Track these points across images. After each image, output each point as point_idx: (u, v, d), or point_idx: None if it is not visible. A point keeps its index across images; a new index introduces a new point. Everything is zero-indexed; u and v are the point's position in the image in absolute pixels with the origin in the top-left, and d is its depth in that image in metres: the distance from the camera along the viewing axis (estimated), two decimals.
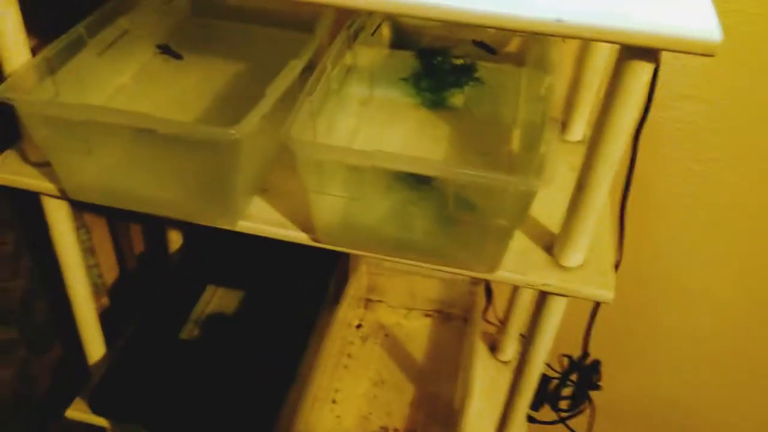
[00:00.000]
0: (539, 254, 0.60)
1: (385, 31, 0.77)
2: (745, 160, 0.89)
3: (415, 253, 0.60)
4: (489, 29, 0.62)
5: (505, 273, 0.58)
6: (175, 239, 1.06)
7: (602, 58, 0.70)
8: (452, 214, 0.56)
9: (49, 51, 0.61)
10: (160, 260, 1.10)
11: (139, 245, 1.10)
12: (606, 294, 0.57)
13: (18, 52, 0.60)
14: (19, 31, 0.59)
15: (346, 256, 1.01)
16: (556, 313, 0.61)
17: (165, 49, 0.74)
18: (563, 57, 0.69)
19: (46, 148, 0.61)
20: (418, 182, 0.56)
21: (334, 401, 0.88)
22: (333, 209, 0.59)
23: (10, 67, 0.60)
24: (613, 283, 0.57)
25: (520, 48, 0.76)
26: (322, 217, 0.59)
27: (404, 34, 0.77)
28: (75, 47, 0.64)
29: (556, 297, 0.60)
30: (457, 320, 1.01)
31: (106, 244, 1.03)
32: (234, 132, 0.52)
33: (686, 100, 0.83)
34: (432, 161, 0.59)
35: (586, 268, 0.58)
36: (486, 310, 1.02)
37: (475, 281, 0.98)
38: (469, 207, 0.55)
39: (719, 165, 0.90)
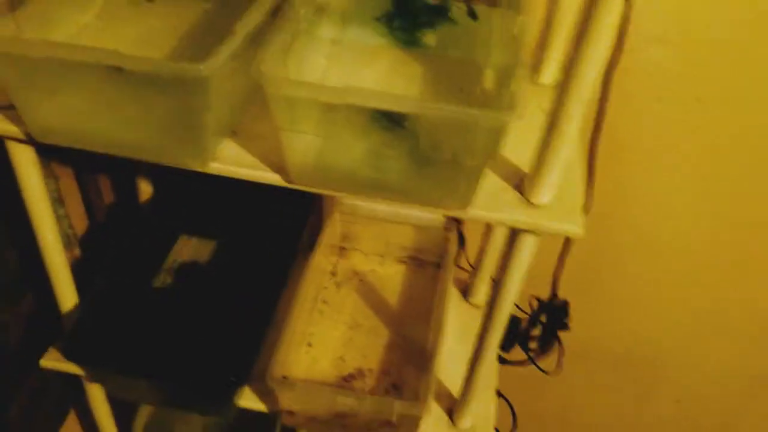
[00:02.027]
0: (510, 193, 0.61)
1: None
2: (715, 103, 0.90)
3: (388, 192, 0.60)
4: None
5: (477, 211, 0.59)
6: (145, 190, 1.05)
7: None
8: (425, 152, 0.56)
9: None
10: (130, 211, 1.09)
11: (108, 196, 1.09)
12: (575, 229, 0.58)
13: None
14: None
15: (320, 203, 1.01)
16: (526, 251, 0.63)
17: None
18: None
19: (8, 88, 0.59)
20: (391, 121, 0.56)
21: (309, 344, 0.89)
22: (305, 149, 0.58)
23: None
24: (581, 219, 0.59)
25: None
26: (294, 157, 0.59)
27: None
28: None
29: (527, 235, 0.61)
30: (431, 266, 1.02)
31: (75, 194, 1.01)
32: (203, 68, 0.52)
33: (656, 43, 0.84)
34: (404, 97, 0.59)
35: (556, 205, 0.60)
36: (458, 256, 1.03)
37: (449, 227, 0.99)
38: (441, 146, 0.55)
39: (688, 108, 0.91)
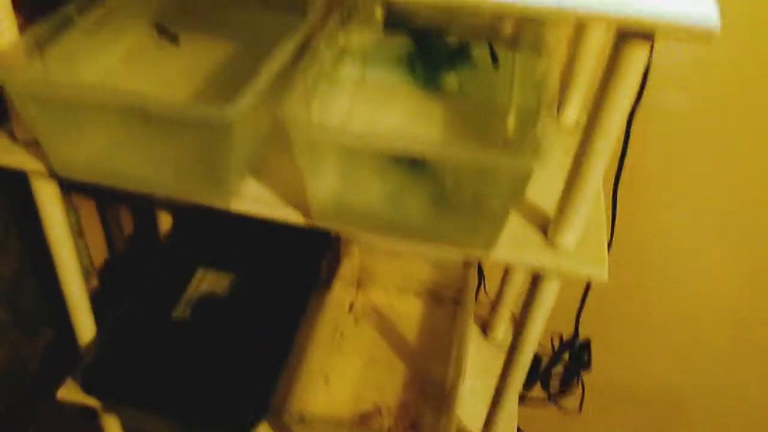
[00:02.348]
0: (534, 235, 0.60)
1: (378, 12, 0.76)
2: (735, 143, 0.89)
3: (409, 233, 0.60)
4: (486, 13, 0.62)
5: (501, 254, 0.58)
6: (165, 221, 1.05)
7: (597, 41, 0.70)
8: (447, 194, 0.56)
9: (37, 29, 0.60)
10: (149, 242, 1.09)
11: (128, 227, 1.09)
12: (600, 273, 0.57)
13: (6, 30, 0.59)
14: (8, 10, 0.58)
15: (338, 237, 1.01)
16: (549, 293, 0.62)
17: (162, 30, 0.73)
18: (558, 40, 0.69)
19: (35, 127, 0.60)
20: (413, 163, 0.56)
21: (326, 380, 0.88)
22: (327, 189, 0.58)
23: None
24: (606, 263, 0.58)
25: (515, 30, 0.75)
26: (316, 197, 0.59)
27: (397, 15, 0.76)
28: (64, 25, 0.63)
29: (550, 278, 0.60)
30: (449, 302, 1.02)
31: (95, 226, 1.02)
32: (227, 111, 0.52)
33: (679, 89, 0.84)
34: (427, 143, 0.59)
35: (580, 248, 0.59)
36: (478, 291, 1.02)
37: (468, 262, 0.98)
38: (463, 189, 0.55)
39: (709, 149, 0.90)
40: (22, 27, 0.61)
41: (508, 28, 0.76)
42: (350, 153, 0.55)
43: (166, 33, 0.72)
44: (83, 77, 0.66)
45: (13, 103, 0.59)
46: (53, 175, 0.64)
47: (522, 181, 0.51)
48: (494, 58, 0.67)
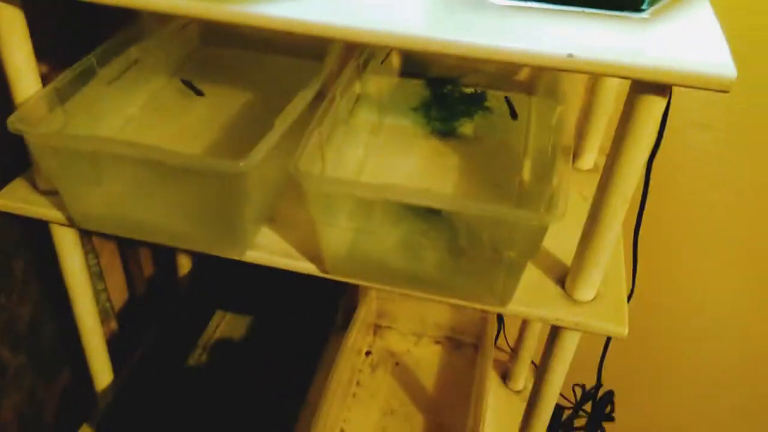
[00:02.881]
0: (551, 287, 0.59)
1: (395, 59, 0.77)
2: (759, 188, 0.87)
3: (425, 285, 0.59)
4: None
5: (517, 307, 0.57)
6: (184, 263, 1.05)
7: (613, 86, 0.70)
8: (462, 246, 0.55)
9: (59, 81, 0.61)
10: (169, 284, 1.10)
11: (148, 269, 1.10)
12: (619, 329, 0.55)
13: (29, 82, 0.60)
14: (31, 61, 0.60)
15: None
16: (568, 346, 0.60)
17: (188, 85, 0.74)
18: (574, 86, 0.69)
19: (55, 177, 0.61)
20: (427, 213, 0.56)
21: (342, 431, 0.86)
22: (341, 240, 0.58)
23: (20, 97, 0.60)
24: (626, 317, 0.56)
25: (530, 76, 0.75)
26: (330, 249, 0.59)
27: (413, 63, 0.77)
28: (86, 77, 0.64)
29: (569, 330, 0.59)
30: (468, 347, 1.00)
31: (115, 268, 1.03)
32: (242, 165, 0.52)
33: (698, 128, 0.82)
34: (443, 195, 0.59)
35: (599, 302, 0.57)
36: (497, 337, 1.00)
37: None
38: (479, 240, 0.54)
39: (732, 193, 0.88)
40: (45, 75, 0.62)
41: (523, 74, 0.77)
42: (364, 203, 0.54)
43: (192, 87, 0.74)
44: (104, 127, 0.67)
45: (34, 154, 0.61)
46: (73, 225, 0.65)
47: (539, 234, 0.50)
48: (513, 114, 0.67)
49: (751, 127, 0.82)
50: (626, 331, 0.55)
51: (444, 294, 0.59)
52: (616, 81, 0.69)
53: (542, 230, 0.50)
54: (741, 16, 0.73)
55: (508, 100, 0.69)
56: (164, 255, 1.09)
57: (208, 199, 0.58)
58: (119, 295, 1.05)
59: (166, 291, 1.12)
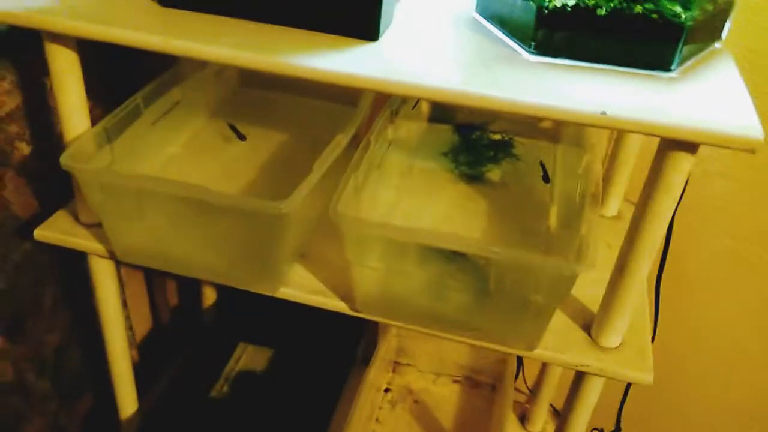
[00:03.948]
0: (577, 333, 0.60)
1: (424, 106, 0.80)
2: None
3: (452, 326, 0.60)
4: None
5: (544, 352, 0.58)
6: (209, 295, 1.07)
7: (638, 137, 0.72)
8: (490, 289, 0.56)
9: (109, 121, 0.64)
10: (193, 315, 1.11)
11: (173, 299, 1.12)
12: (645, 376, 0.56)
13: (80, 121, 0.63)
14: (83, 102, 0.63)
15: None
16: (592, 392, 0.61)
17: (233, 128, 0.78)
18: (598, 135, 0.71)
19: (101, 212, 0.63)
20: (455, 255, 0.57)
21: None
22: (373, 280, 0.60)
23: (71, 135, 0.63)
24: (651, 365, 0.57)
25: (555, 124, 0.77)
26: (362, 288, 0.60)
27: (442, 109, 0.79)
28: (132, 116, 0.67)
29: (594, 377, 0.59)
30: (486, 387, 1.00)
31: (140, 298, 1.05)
32: (283, 206, 0.54)
33: (719, 178, 0.84)
34: (476, 241, 0.61)
35: (625, 348, 0.58)
36: (516, 377, 1.01)
37: None
38: (507, 285, 0.55)
39: (751, 242, 0.89)
40: (91, 110, 0.65)
41: (548, 122, 0.79)
42: (397, 245, 0.56)
43: (236, 131, 0.77)
44: (147, 164, 0.70)
45: (83, 190, 0.63)
46: (113, 257, 0.67)
47: (569, 282, 0.52)
48: (546, 178, 0.70)
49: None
50: (651, 379, 0.56)
51: (472, 336, 0.60)
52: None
53: (573, 278, 0.51)
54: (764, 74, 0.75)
55: (542, 165, 0.71)
56: (189, 286, 1.11)
57: (247, 237, 0.60)
58: (143, 325, 1.06)
59: (189, 322, 1.14)
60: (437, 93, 0.49)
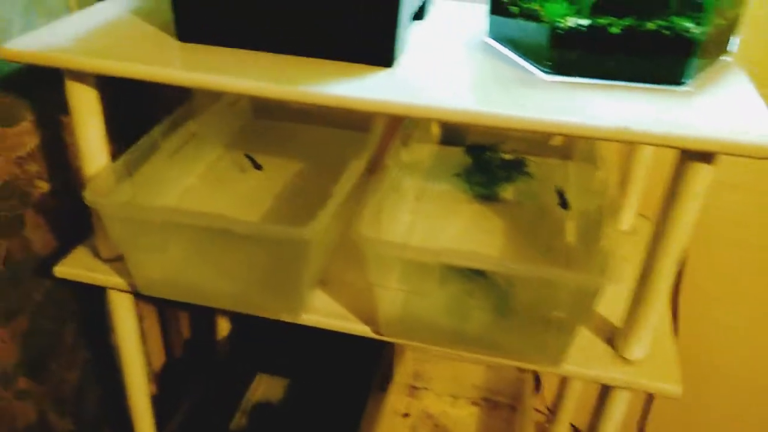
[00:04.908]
0: (601, 347, 0.60)
1: (434, 128, 0.81)
2: None
3: (476, 345, 0.60)
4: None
5: (570, 368, 0.58)
6: (223, 326, 1.07)
7: (649, 149, 0.72)
8: (512, 307, 0.57)
9: (128, 155, 0.65)
10: (207, 347, 1.11)
11: (186, 331, 1.12)
12: (674, 388, 0.56)
13: (100, 156, 0.64)
14: (102, 137, 0.63)
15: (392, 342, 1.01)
16: (619, 406, 0.61)
17: (250, 159, 0.79)
18: (608, 151, 0.72)
19: (124, 245, 0.63)
20: (473, 274, 0.58)
21: None
22: (395, 302, 0.60)
23: (91, 170, 0.64)
24: (679, 376, 0.57)
25: (566, 142, 0.79)
26: (385, 310, 0.61)
27: (452, 131, 0.81)
28: (150, 150, 0.68)
29: (621, 390, 0.60)
30: (504, 408, 1.00)
31: (156, 331, 1.05)
32: (305, 232, 0.55)
33: (729, 189, 0.85)
34: (502, 259, 0.61)
35: (651, 360, 0.59)
36: (534, 397, 1.01)
37: (523, 367, 0.97)
38: (529, 302, 0.56)
39: (762, 251, 0.90)
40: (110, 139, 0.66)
41: (558, 140, 0.80)
42: (418, 267, 0.57)
43: (253, 161, 0.78)
44: (166, 196, 0.71)
45: (105, 224, 0.63)
46: (134, 291, 0.67)
47: (593, 297, 0.52)
48: (564, 205, 0.70)
49: None
50: (680, 390, 0.56)
51: (497, 354, 0.60)
52: (651, 147, 0.72)
53: (596, 292, 0.52)
54: None
55: (560, 194, 0.72)
56: (203, 318, 1.11)
57: (270, 265, 0.60)
58: (157, 358, 1.06)
59: (203, 354, 1.13)
60: (460, 114, 0.50)
